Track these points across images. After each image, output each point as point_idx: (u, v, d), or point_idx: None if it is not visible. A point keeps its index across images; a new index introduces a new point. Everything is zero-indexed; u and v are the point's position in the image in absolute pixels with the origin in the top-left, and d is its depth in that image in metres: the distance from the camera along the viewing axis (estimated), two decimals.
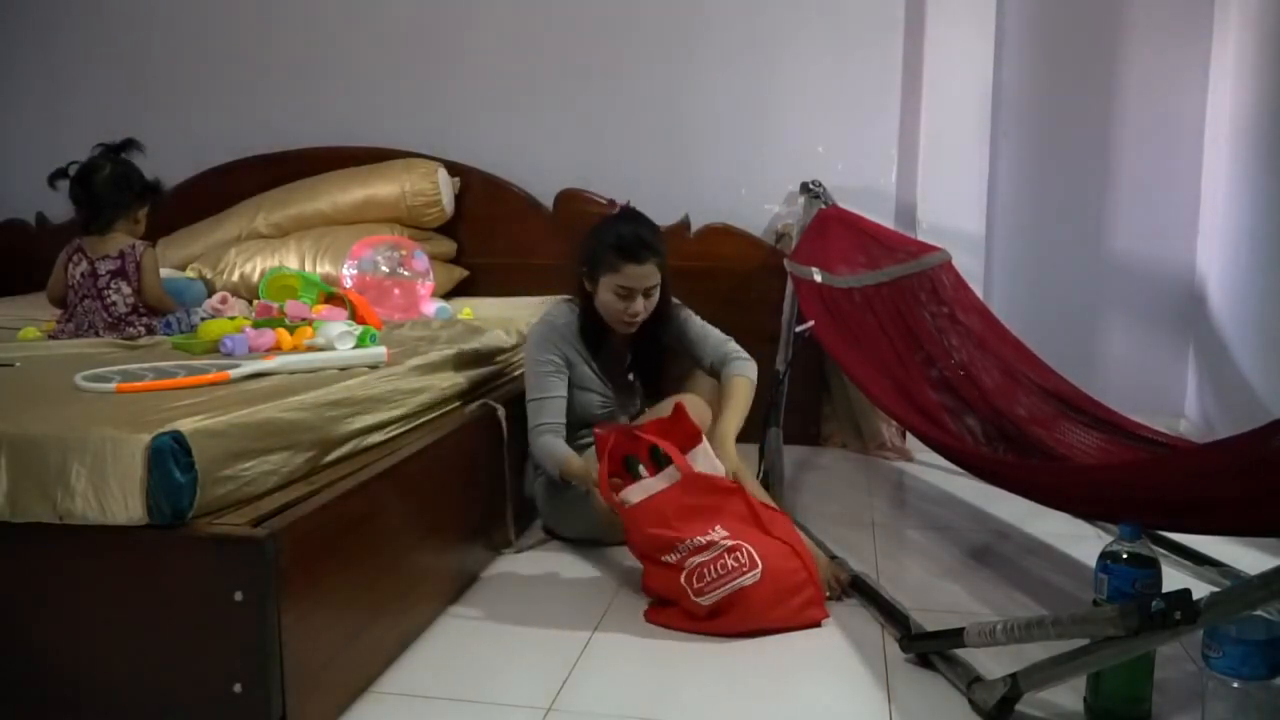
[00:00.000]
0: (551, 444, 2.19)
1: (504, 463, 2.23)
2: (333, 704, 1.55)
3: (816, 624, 1.89)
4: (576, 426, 2.33)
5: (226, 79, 3.72)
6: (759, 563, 1.85)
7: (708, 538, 1.88)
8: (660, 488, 1.93)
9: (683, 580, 1.87)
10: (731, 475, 2.02)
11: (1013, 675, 1.50)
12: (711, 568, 1.85)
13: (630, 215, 2.29)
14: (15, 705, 1.44)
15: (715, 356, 2.31)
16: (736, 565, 1.85)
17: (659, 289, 2.25)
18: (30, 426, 1.42)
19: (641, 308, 2.22)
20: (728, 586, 1.84)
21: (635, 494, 1.93)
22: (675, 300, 2.38)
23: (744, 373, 2.27)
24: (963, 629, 1.60)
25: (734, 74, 3.37)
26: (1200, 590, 1.34)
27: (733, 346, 2.33)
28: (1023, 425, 2.34)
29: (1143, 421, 2.26)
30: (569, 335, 2.30)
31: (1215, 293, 3.20)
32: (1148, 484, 1.60)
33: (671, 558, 1.89)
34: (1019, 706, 1.52)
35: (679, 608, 1.90)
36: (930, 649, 1.72)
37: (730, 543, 1.87)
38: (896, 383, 2.50)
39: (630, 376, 2.43)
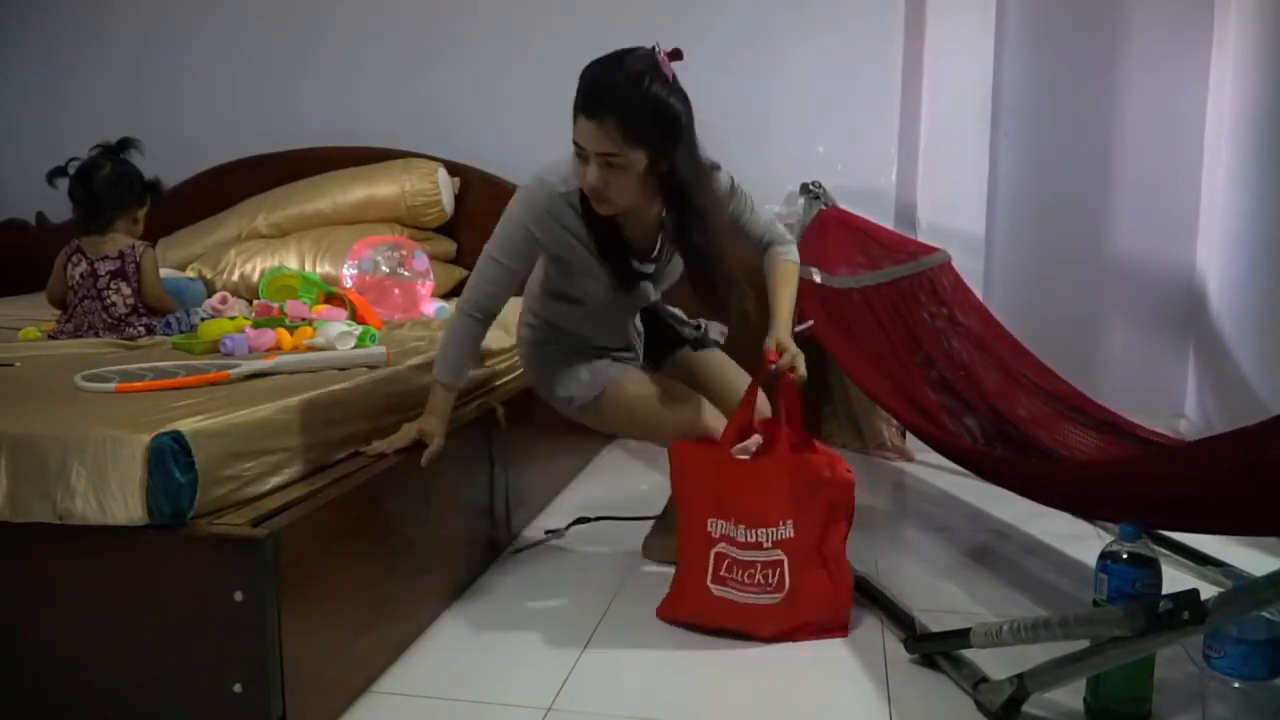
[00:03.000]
0: (467, 333, 1.86)
1: (504, 462, 2.23)
2: (333, 704, 1.55)
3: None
4: (588, 327, 2.03)
5: (226, 78, 3.72)
6: (786, 586, 1.81)
7: (756, 537, 1.81)
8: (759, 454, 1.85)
9: (711, 554, 1.84)
10: (790, 356, 1.87)
11: (1019, 676, 1.50)
12: (740, 570, 1.82)
13: (623, 54, 1.75)
14: (14, 705, 1.43)
15: (767, 235, 2.05)
16: (764, 583, 1.81)
17: (629, 171, 1.73)
18: (30, 426, 1.42)
19: (599, 181, 1.73)
20: (747, 596, 1.83)
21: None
22: (725, 183, 1.98)
23: (793, 257, 2.07)
24: (969, 630, 1.60)
25: (734, 74, 3.36)
26: (1203, 590, 1.34)
27: (781, 229, 2.09)
28: (1023, 426, 2.35)
29: (1142, 422, 2.25)
30: (566, 210, 1.86)
31: (1215, 293, 3.20)
32: (1149, 482, 1.59)
33: (714, 529, 1.85)
34: None
35: (688, 601, 1.88)
36: (935, 649, 1.72)
37: (773, 557, 1.81)
38: (896, 383, 2.51)
39: (652, 274, 1.97)
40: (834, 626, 1.86)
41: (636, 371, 2.06)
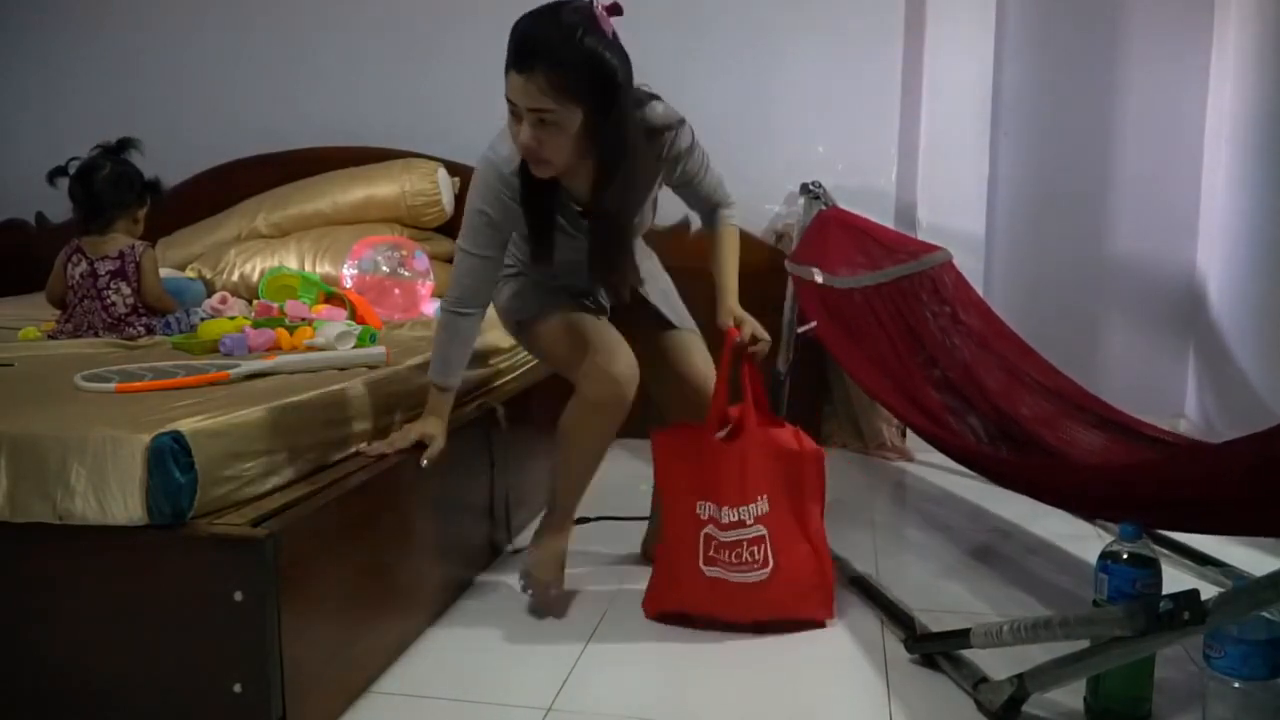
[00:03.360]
0: (456, 331, 1.86)
1: (504, 462, 2.23)
2: (333, 704, 1.55)
3: (819, 623, 1.89)
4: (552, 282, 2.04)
5: (226, 78, 3.71)
6: (770, 561, 1.83)
7: (738, 515, 1.84)
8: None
9: (701, 535, 1.86)
10: (749, 327, 1.91)
11: (1019, 676, 1.50)
12: (727, 551, 1.84)
13: (557, 6, 1.64)
14: (14, 705, 1.43)
15: (715, 196, 2.05)
16: (751, 560, 1.83)
17: (565, 129, 1.65)
18: (30, 426, 1.42)
19: (533, 140, 1.66)
20: (735, 576, 1.84)
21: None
22: (686, 139, 1.93)
23: (736, 221, 2.09)
24: (969, 630, 1.60)
25: (734, 74, 3.37)
26: (1203, 590, 1.34)
27: (727, 191, 2.08)
28: (1026, 425, 2.34)
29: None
30: (516, 185, 1.81)
31: (1215, 293, 3.20)
32: (1154, 483, 1.59)
33: (702, 511, 1.87)
34: None
35: (679, 588, 1.89)
36: (936, 649, 1.72)
37: (755, 532, 1.83)
38: (898, 383, 2.50)
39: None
40: (819, 606, 1.87)
41: (578, 312, 2.02)
